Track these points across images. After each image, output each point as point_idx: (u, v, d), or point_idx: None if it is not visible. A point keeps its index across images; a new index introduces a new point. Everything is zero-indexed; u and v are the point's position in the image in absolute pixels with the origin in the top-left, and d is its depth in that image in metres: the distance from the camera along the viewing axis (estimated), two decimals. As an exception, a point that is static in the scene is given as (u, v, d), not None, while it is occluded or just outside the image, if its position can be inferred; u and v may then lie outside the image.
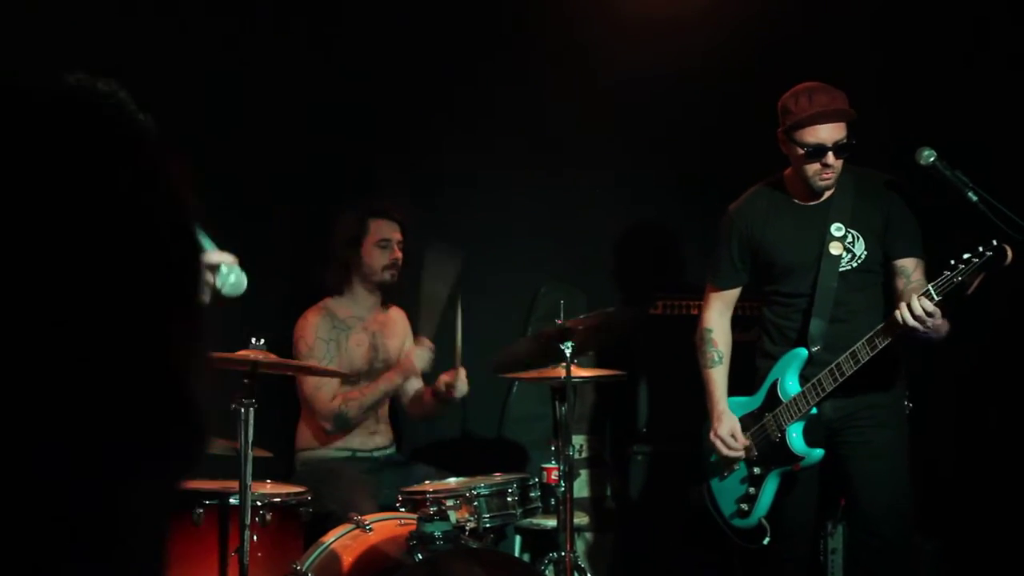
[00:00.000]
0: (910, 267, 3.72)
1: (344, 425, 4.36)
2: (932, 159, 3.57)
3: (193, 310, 0.64)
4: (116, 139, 0.63)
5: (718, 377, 4.01)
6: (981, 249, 3.36)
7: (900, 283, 3.71)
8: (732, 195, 4.07)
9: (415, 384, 4.57)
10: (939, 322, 3.45)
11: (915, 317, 3.41)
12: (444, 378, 4.38)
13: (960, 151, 3.67)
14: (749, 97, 4.51)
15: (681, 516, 4.58)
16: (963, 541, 4.51)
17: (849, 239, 3.77)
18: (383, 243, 4.44)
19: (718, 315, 4.05)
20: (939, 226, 3.74)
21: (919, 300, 3.41)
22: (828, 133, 3.67)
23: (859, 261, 3.77)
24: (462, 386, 4.35)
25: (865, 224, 3.77)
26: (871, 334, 3.57)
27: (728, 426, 3.93)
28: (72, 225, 0.58)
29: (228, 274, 2.90)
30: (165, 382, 0.61)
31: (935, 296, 3.40)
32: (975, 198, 3.49)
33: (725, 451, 3.92)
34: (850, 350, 3.62)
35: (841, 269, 3.77)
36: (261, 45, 4.80)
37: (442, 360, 4.41)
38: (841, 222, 3.77)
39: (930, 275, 3.58)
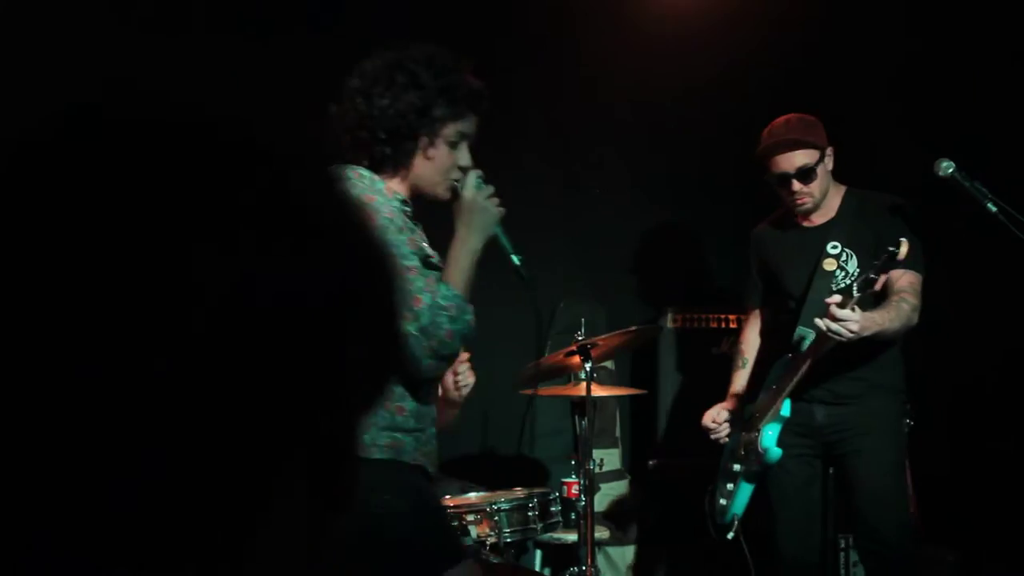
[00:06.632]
0: (895, 277, 3.67)
1: None
2: (951, 170, 3.57)
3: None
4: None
5: (736, 377, 4.13)
6: (891, 248, 3.39)
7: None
8: (752, 208, 4.12)
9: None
10: (864, 323, 3.46)
11: (831, 329, 3.45)
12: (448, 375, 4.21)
13: (984, 160, 3.67)
14: (771, 110, 4.49)
15: (702, 530, 4.57)
16: (984, 552, 4.48)
17: (844, 257, 3.83)
18: None
19: (751, 330, 4.18)
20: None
21: (828, 312, 3.46)
22: (787, 162, 3.76)
23: (851, 279, 3.77)
24: (465, 378, 3.80)
25: (859, 243, 3.81)
26: (815, 336, 3.63)
27: (713, 411, 4.03)
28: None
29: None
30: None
31: (855, 293, 3.44)
32: (995, 209, 3.49)
33: (712, 434, 4.03)
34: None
35: (834, 286, 3.77)
36: (273, 56, 4.79)
37: None
38: (838, 241, 3.84)
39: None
